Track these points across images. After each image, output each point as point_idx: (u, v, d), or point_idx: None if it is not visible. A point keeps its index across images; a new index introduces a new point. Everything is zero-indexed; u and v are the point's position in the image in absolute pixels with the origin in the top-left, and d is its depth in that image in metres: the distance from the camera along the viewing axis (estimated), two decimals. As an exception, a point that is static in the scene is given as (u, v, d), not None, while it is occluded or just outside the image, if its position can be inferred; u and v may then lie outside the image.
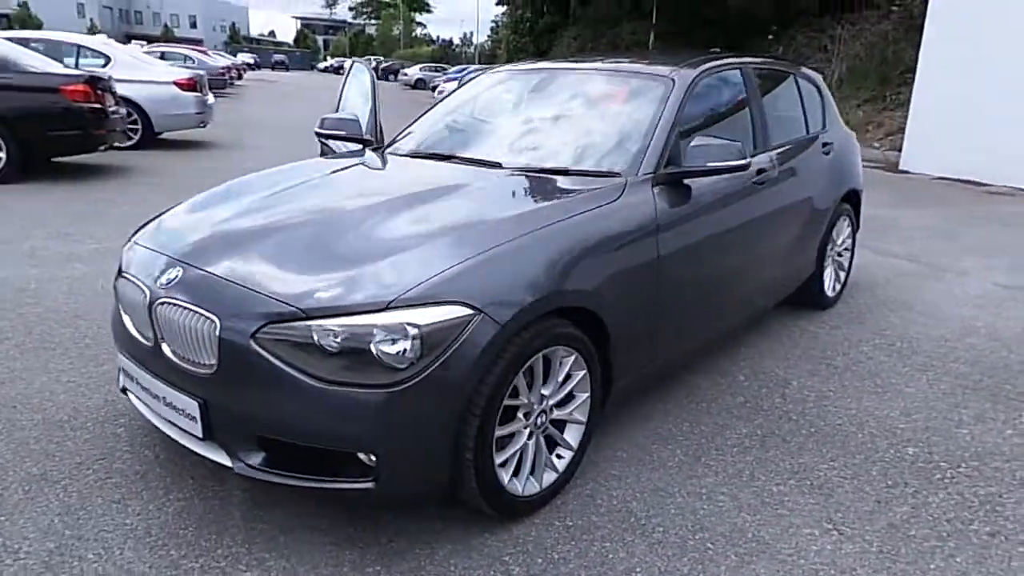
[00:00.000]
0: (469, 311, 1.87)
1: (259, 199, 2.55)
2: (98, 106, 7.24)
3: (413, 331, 1.80)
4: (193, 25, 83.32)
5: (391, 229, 2.16)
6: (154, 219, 2.59)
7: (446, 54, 65.50)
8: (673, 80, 2.96)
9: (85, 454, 2.43)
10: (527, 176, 2.68)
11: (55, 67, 7.52)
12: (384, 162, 3.10)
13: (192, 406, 1.95)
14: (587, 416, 2.34)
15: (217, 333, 1.88)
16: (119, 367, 2.34)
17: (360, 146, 3.50)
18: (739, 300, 3.23)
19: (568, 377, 2.25)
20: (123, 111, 8.31)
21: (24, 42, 9.23)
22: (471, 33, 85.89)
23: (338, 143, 3.71)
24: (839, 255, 4.33)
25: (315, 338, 1.80)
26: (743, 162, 2.64)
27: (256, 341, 1.84)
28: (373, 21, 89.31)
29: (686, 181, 2.72)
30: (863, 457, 2.59)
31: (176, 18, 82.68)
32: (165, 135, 10.36)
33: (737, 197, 3.03)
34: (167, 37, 64.17)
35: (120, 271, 2.31)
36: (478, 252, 2.01)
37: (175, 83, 9.90)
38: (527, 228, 2.16)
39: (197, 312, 1.94)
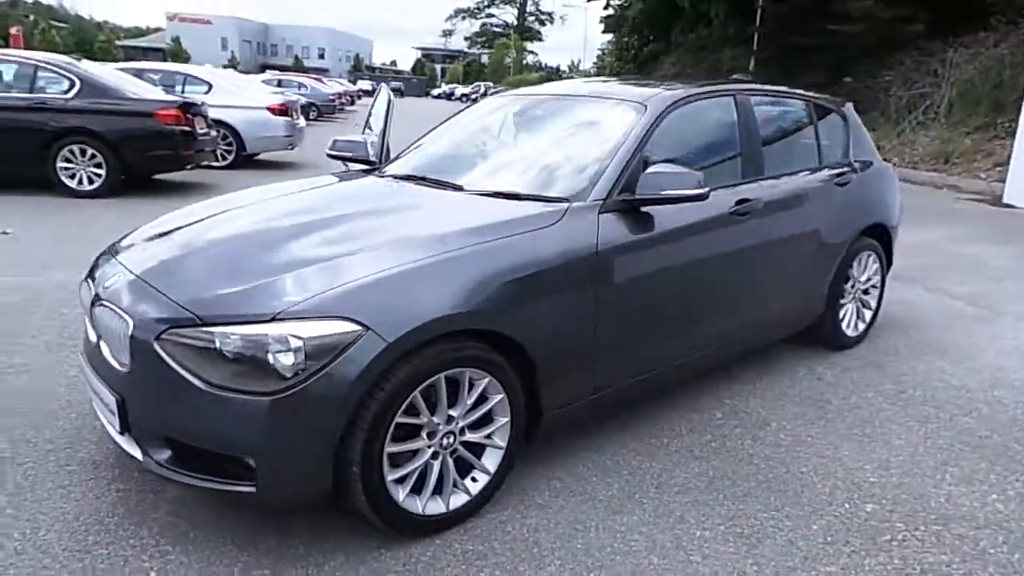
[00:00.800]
0: (356, 327, 1.93)
1: (214, 216, 2.72)
2: (187, 129, 7.93)
3: (296, 343, 1.88)
4: (321, 56, 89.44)
5: (310, 246, 2.26)
6: (134, 230, 2.84)
7: (550, 79, 66.54)
8: (645, 106, 2.92)
9: (57, 442, 2.67)
10: (477, 199, 2.72)
11: (153, 94, 8.32)
12: (361, 184, 3.22)
13: (112, 401, 2.12)
14: (506, 441, 2.33)
15: (129, 333, 2.04)
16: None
17: (364, 167, 3.65)
18: (713, 335, 3.09)
19: (483, 400, 2.25)
20: (213, 133, 9.04)
21: (140, 72, 10.29)
22: (579, 60, 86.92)
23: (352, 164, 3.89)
24: (864, 292, 4.05)
25: (216, 343, 1.91)
26: (698, 192, 2.57)
27: (159, 343, 1.98)
28: (487, 50, 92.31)
29: (646, 209, 2.67)
30: (811, 509, 2.41)
31: (307, 50, 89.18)
32: (258, 155, 11.18)
33: (711, 228, 2.93)
34: (297, 67, 69.05)
35: (86, 276, 2.55)
36: (381, 270, 2.07)
37: (268, 108, 10.67)
38: (445, 249, 2.20)
39: (118, 313, 2.11)
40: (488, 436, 2.31)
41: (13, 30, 43.86)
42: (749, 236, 3.10)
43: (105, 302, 2.20)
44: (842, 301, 3.86)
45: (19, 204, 6.94)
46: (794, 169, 3.59)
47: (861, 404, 3.26)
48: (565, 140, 3.10)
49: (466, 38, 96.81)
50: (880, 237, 4.04)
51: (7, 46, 43.49)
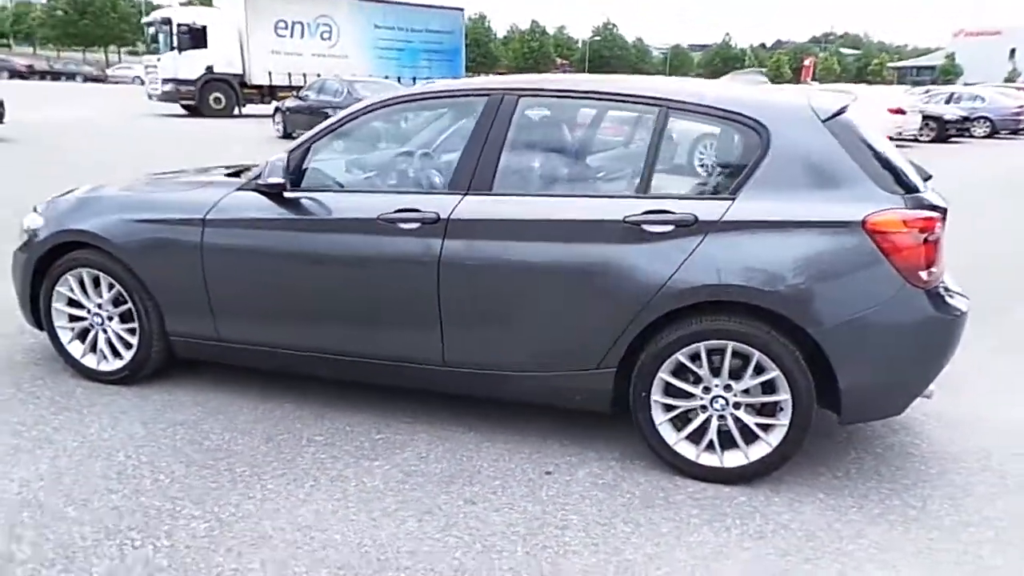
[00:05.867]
0: None
1: None
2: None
3: None
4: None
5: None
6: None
7: None
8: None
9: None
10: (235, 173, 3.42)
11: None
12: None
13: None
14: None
15: None
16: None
17: None
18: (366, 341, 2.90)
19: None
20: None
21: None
22: None
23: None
24: (736, 407, 2.47)
25: None
26: (273, 181, 2.77)
27: None
28: None
29: (289, 195, 2.93)
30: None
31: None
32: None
33: (350, 229, 2.84)
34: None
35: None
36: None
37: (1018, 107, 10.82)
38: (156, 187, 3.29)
39: None
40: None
41: (806, 61, 50.72)
42: (413, 249, 2.74)
43: None
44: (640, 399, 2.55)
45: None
46: (574, 192, 2.68)
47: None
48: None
49: None
50: (775, 323, 2.39)
51: (799, 77, 50.52)
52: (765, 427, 2.58)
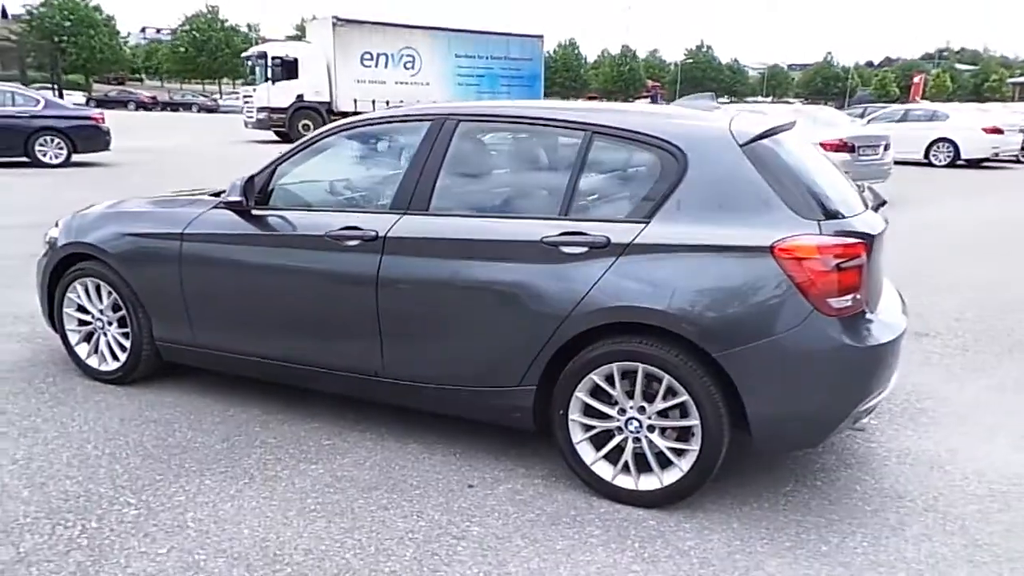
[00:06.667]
0: None
1: None
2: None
3: None
4: None
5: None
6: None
7: None
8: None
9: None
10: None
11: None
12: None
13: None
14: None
15: None
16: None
17: None
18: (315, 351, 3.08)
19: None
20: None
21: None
22: None
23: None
24: (650, 431, 2.46)
25: None
26: (233, 199, 3.03)
27: None
28: None
29: (277, 214, 3.17)
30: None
31: None
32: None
33: (305, 245, 3.03)
34: None
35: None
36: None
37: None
38: (152, 204, 3.63)
39: None
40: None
41: (915, 79, 48.51)
42: (355, 265, 2.90)
43: None
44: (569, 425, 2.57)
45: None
46: (503, 213, 2.78)
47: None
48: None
49: None
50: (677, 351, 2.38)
51: (909, 96, 48.30)
52: (679, 452, 2.56)
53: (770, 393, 2.42)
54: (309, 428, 3.21)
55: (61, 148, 13.19)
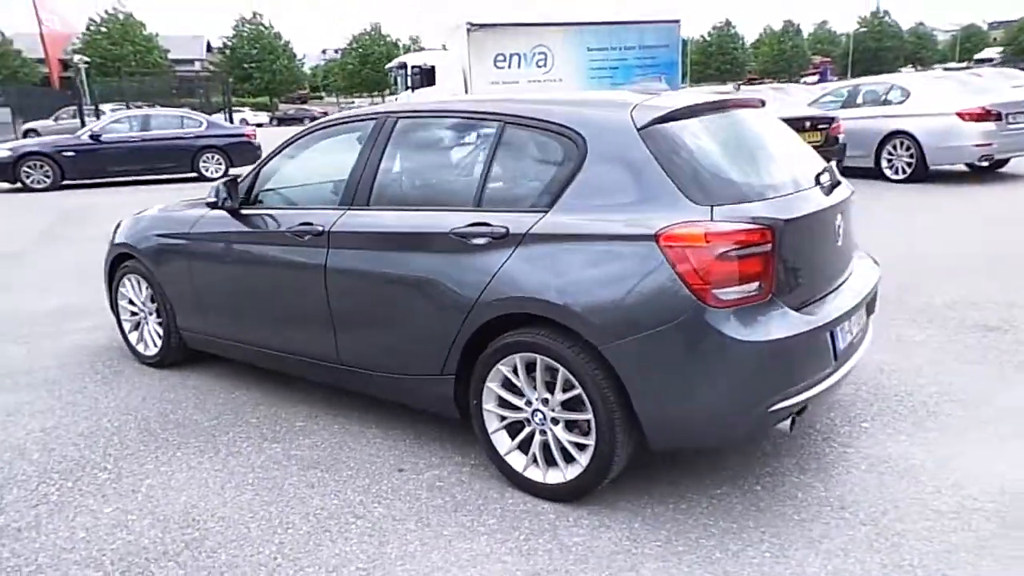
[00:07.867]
0: None
1: None
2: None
3: None
4: None
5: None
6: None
7: None
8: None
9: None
10: None
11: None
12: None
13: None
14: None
15: None
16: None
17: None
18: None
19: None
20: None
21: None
22: None
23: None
24: (555, 423, 2.42)
25: None
26: (211, 200, 3.37)
27: None
28: None
29: (258, 213, 3.49)
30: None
31: None
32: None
33: (273, 241, 3.31)
34: None
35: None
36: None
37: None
38: (176, 207, 4.11)
39: None
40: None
41: None
42: (309, 258, 3.10)
43: None
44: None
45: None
46: (434, 205, 2.83)
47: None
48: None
49: None
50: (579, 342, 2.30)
51: None
52: (581, 447, 2.50)
53: (656, 389, 2.29)
54: (290, 412, 3.48)
55: (220, 163, 14.95)
